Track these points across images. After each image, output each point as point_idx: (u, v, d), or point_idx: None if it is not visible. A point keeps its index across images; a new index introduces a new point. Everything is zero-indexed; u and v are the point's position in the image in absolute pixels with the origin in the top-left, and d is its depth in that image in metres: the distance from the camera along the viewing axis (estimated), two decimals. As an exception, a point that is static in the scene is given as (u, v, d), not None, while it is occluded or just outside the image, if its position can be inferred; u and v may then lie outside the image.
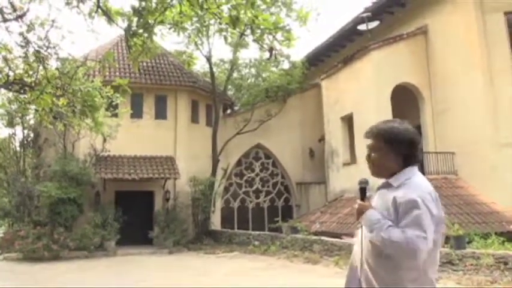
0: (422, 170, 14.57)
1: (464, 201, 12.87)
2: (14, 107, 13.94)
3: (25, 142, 17.24)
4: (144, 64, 16.71)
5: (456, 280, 8.12)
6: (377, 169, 2.27)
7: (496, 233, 10.42)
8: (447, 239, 9.47)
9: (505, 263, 8.11)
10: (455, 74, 14.36)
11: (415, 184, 2.16)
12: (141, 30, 4.85)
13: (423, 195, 2.08)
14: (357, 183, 2.64)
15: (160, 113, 17.61)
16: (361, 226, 2.29)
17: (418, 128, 15.64)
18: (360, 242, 2.25)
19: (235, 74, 20.72)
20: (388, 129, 2.26)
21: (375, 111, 14.69)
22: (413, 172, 2.24)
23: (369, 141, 2.32)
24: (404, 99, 15.46)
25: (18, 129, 17.23)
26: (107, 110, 9.68)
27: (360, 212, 2.15)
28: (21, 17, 5.76)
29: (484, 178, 13.20)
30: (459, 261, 8.71)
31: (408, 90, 15.52)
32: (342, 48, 19.85)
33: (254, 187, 20.07)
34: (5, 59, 6.58)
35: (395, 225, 2.03)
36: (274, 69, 20.96)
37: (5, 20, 5.73)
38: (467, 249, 9.05)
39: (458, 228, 9.43)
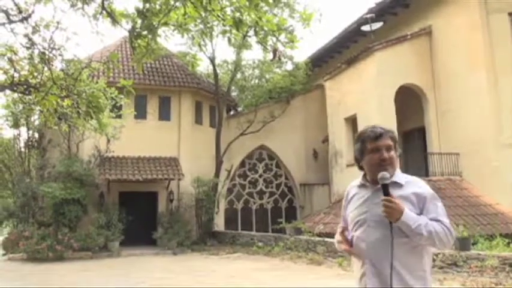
0: (426, 171, 14.53)
1: (468, 202, 12.82)
2: (19, 108, 14.04)
3: (30, 143, 17.34)
4: (148, 65, 16.78)
5: (461, 282, 8.08)
6: (393, 168, 2.32)
7: (501, 235, 10.37)
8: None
9: (510, 265, 8.07)
10: (459, 75, 14.31)
11: (419, 181, 2.35)
12: (145, 32, 4.87)
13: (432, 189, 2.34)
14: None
15: (164, 114, 17.66)
16: (367, 226, 2.27)
17: (423, 129, 15.60)
18: (373, 241, 2.24)
19: (238, 75, 20.75)
20: (391, 131, 2.38)
21: (379, 112, 14.66)
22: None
23: (375, 143, 2.32)
24: (408, 100, 15.43)
25: (23, 130, 17.37)
26: (111, 111, 9.71)
27: (399, 211, 2.13)
28: (26, 18, 5.79)
29: (488, 179, 13.15)
30: (464, 262, 8.68)
31: (412, 91, 15.48)
32: (346, 49, 19.83)
33: (258, 188, 20.06)
34: (10, 61, 6.62)
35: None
36: (277, 70, 20.98)
37: (10, 22, 5.77)
38: (472, 250, 9.01)
39: (462, 229, 9.39)
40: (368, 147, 2.33)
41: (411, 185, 2.29)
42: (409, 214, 2.14)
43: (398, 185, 2.28)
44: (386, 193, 2.17)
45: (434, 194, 2.28)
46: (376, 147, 2.30)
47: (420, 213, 2.20)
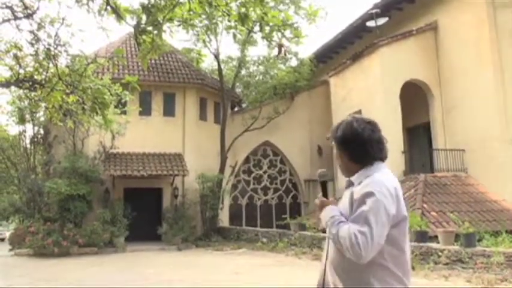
0: (431, 167, 14.46)
1: (474, 198, 12.77)
2: (25, 104, 14.09)
3: (35, 139, 17.42)
4: (153, 62, 16.78)
5: (466, 278, 8.06)
6: (343, 171, 2.27)
7: (506, 231, 10.31)
8: (457, 236, 9.40)
9: (516, 261, 8.04)
10: (465, 71, 14.22)
11: (374, 180, 2.08)
12: (150, 28, 4.86)
13: (378, 189, 2.01)
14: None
15: (169, 110, 17.68)
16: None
17: (428, 124, 15.53)
18: (327, 242, 2.18)
19: (243, 72, 20.71)
20: (333, 132, 2.32)
21: (384, 108, 14.61)
22: (377, 169, 2.16)
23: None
24: (414, 96, 15.36)
25: (29, 127, 17.46)
26: (116, 107, 9.72)
27: (321, 208, 2.08)
28: (31, 15, 5.80)
29: (494, 175, 13.09)
30: (469, 259, 8.65)
31: (417, 87, 15.41)
32: (351, 45, 19.74)
33: (262, 184, 20.08)
34: (16, 57, 6.64)
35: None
36: (282, 66, 20.92)
37: (15, 18, 5.78)
38: (478, 247, 8.97)
39: (468, 226, 9.36)
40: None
41: (361, 186, 2.08)
42: (325, 214, 2.04)
43: (353, 185, 2.17)
44: (324, 191, 2.20)
45: (363, 196, 1.99)
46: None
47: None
